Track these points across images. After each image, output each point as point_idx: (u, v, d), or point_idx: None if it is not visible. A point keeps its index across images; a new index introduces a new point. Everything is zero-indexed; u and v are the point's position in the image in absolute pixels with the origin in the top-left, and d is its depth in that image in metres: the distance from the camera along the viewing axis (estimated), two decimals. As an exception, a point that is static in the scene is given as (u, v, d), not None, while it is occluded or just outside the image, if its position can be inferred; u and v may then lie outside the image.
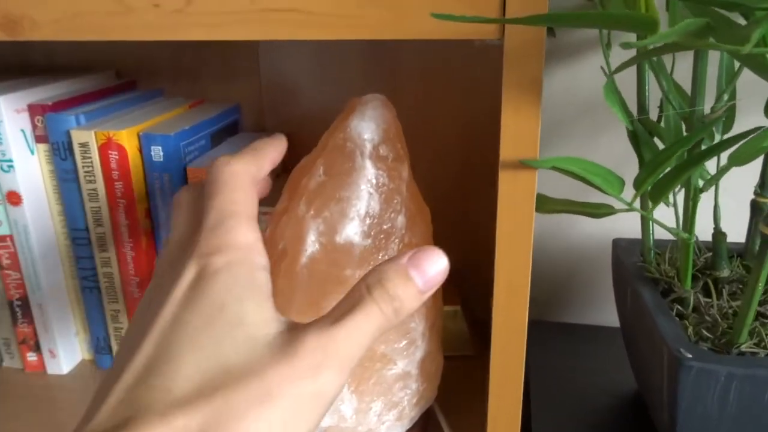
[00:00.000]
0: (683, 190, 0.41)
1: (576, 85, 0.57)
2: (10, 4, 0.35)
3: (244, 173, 0.32)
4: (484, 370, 0.56)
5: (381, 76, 0.60)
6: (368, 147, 0.39)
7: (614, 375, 0.53)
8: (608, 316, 0.65)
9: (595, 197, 0.48)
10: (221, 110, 0.59)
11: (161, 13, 0.34)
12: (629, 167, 0.58)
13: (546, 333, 0.61)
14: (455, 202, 0.62)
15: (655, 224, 0.47)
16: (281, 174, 0.63)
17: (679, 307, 0.42)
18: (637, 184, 0.34)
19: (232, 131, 0.61)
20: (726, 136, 0.44)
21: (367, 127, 0.40)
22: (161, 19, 0.34)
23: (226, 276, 0.27)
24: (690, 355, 0.35)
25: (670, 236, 0.48)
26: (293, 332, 0.26)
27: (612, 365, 0.55)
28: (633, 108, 0.44)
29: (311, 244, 0.39)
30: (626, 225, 0.61)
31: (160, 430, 0.23)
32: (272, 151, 0.36)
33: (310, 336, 0.26)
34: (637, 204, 0.36)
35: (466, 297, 0.64)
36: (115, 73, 0.64)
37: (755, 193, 0.45)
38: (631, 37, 0.48)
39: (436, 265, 0.29)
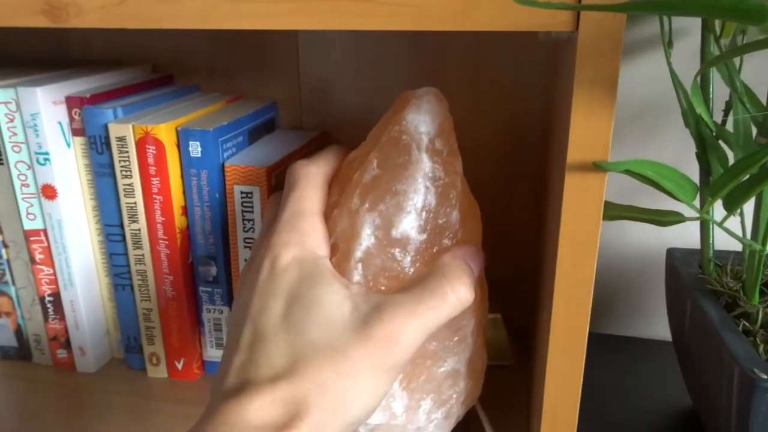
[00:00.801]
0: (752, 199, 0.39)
1: (627, 89, 0.55)
2: (56, -10, 0.34)
3: (317, 173, 0.38)
4: (524, 380, 0.54)
5: (422, 75, 0.58)
6: (425, 140, 0.38)
7: (665, 392, 0.51)
8: (655, 328, 0.62)
9: (646, 202, 0.45)
10: (259, 107, 0.57)
11: (213, 2, 0.32)
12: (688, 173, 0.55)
13: (591, 345, 0.58)
14: (497, 207, 0.60)
15: (714, 235, 0.44)
16: (318, 173, 0.61)
17: (746, 323, 0.39)
18: (713, 191, 0.32)
19: (269, 128, 0.60)
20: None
21: (423, 120, 0.38)
22: (213, 8, 0.32)
23: (293, 268, 0.33)
24: (765, 376, 0.33)
25: (727, 247, 0.46)
26: (370, 309, 0.31)
27: (662, 381, 0.52)
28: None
29: (366, 237, 0.37)
30: (676, 235, 0.58)
31: (269, 394, 0.29)
32: (338, 156, 0.41)
33: (387, 315, 0.31)
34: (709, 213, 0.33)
35: (506, 305, 0.62)
36: (152, 68, 0.63)
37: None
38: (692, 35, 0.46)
39: (481, 262, 0.35)
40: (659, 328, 0.62)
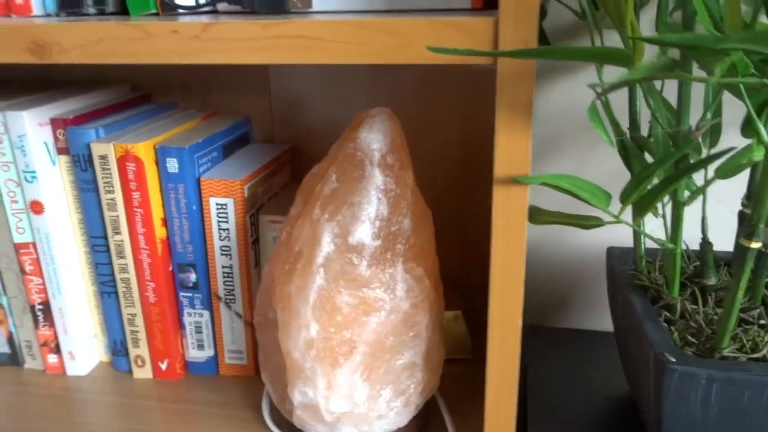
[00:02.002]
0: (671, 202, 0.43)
1: (571, 100, 0.60)
2: (39, 31, 0.38)
3: None
4: (482, 372, 0.58)
5: (383, 92, 0.62)
6: (377, 156, 0.42)
7: (609, 378, 0.55)
8: (604, 321, 0.67)
9: (590, 209, 0.50)
10: (232, 123, 0.61)
11: (179, 39, 0.36)
12: (623, 179, 0.60)
13: (544, 337, 0.63)
14: (456, 210, 0.65)
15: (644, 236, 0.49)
16: (290, 183, 0.65)
17: (668, 313, 0.44)
18: (624, 197, 0.37)
19: (244, 142, 0.64)
20: (713, 150, 0.46)
21: (375, 138, 0.42)
22: (179, 45, 0.36)
23: None
24: (674, 359, 0.37)
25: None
26: None
27: (607, 368, 0.57)
28: (626, 121, 0.46)
29: (327, 244, 0.41)
30: (623, 234, 0.63)
31: None
32: None
33: None
34: (624, 216, 0.38)
35: (467, 302, 0.67)
36: (131, 87, 0.67)
37: (742, 204, 0.47)
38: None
39: None
40: (606, 321, 0.67)
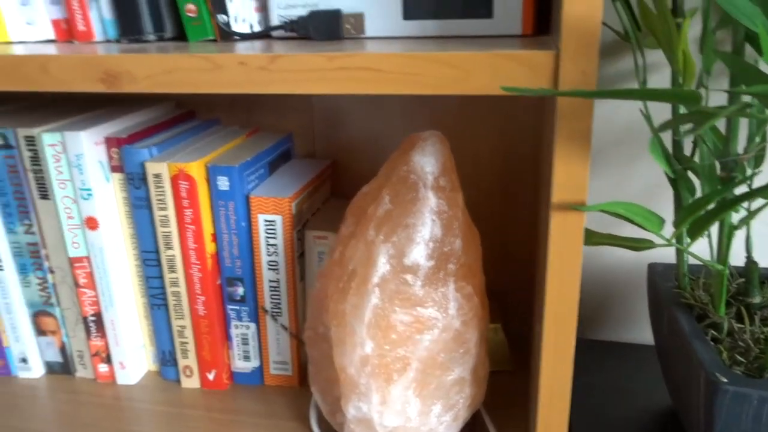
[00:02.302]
0: (717, 223, 0.44)
1: (615, 116, 0.61)
2: (111, 62, 0.39)
3: None
4: (523, 383, 0.59)
5: (423, 110, 0.63)
6: (430, 179, 0.43)
7: (650, 391, 0.56)
8: (642, 333, 0.68)
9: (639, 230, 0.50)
10: (276, 140, 0.63)
11: (247, 70, 0.38)
12: (663, 194, 0.61)
13: (583, 350, 0.64)
14: (497, 228, 0.66)
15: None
16: (330, 198, 0.67)
17: (714, 332, 0.45)
18: (677, 224, 0.38)
19: (286, 158, 0.65)
20: (757, 170, 0.47)
21: (428, 161, 0.44)
22: (247, 76, 0.38)
23: None
24: (725, 380, 0.38)
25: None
26: None
27: (648, 382, 0.58)
28: (668, 140, 0.47)
29: (382, 265, 0.43)
30: (662, 250, 0.64)
31: None
32: None
33: None
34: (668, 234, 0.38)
35: (506, 315, 0.68)
36: (175, 104, 0.69)
37: (786, 222, 0.47)
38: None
39: None
40: (644, 334, 0.67)
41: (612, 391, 0.57)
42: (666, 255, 0.63)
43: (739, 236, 0.58)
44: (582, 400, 0.56)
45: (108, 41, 0.50)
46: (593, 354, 0.63)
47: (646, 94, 0.26)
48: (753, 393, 0.38)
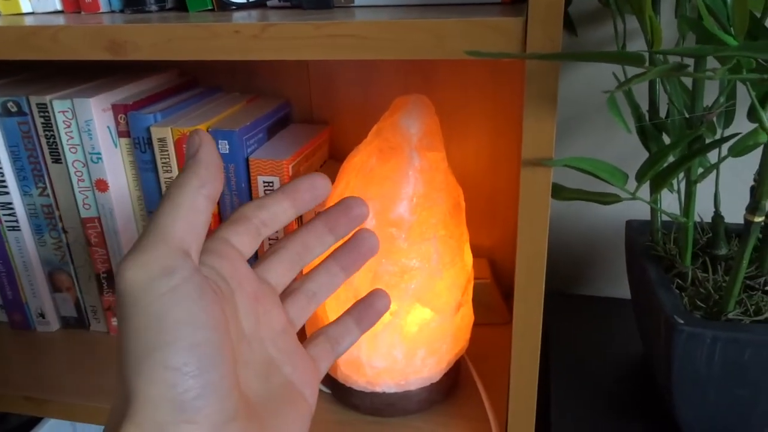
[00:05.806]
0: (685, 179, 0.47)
1: (594, 83, 0.63)
2: (116, 32, 0.42)
3: None
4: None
5: (416, 74, 0.66)
6: (414, 139, 0.46)
7: (626, 340, 0.60)
8: (622, 289, 0.71)
9: (609, 186, 0.53)
10: (274, 106, 0.66)
11: (241, 38, 0.41)
12: (640, 159, 0.63)
13: (567, 304, 0.67)
14: (487, 187, 0.69)
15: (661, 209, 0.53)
16: (328, 160, 0.70)
17: (680, 281, 0.48)
18: (639, 175, 0.41)
19: (285, 123, 0.68)
20: (727, 132, 0.50)
21: (413, 123, 0.47)
22: (241, 43, 0.41)
23: None
24: (682, 321, 0.42)
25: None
26: None
27: (624, 332, 0.61)
28: (646, 104, 0.50)
29: (369, 220, 0.46)
30: (642, 208, 0.67)
31: None
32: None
33: None
34: (640, 193, 0.42)
35: (495, 271, 0.71)
36: (178, 72, 0.72)
37: (754, 179, 0.50)
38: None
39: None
40: (625, 289, 0.71)
41: (591, 340, 0.61)
42: (647, 214, 0.66)
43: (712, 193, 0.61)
44: (563, 349, 0.60)
45: (113, 12, 0.53)
46: (572, 307, 0.67)
47: (596, 57, 0.29)
48: (707, 333, 0.41)
